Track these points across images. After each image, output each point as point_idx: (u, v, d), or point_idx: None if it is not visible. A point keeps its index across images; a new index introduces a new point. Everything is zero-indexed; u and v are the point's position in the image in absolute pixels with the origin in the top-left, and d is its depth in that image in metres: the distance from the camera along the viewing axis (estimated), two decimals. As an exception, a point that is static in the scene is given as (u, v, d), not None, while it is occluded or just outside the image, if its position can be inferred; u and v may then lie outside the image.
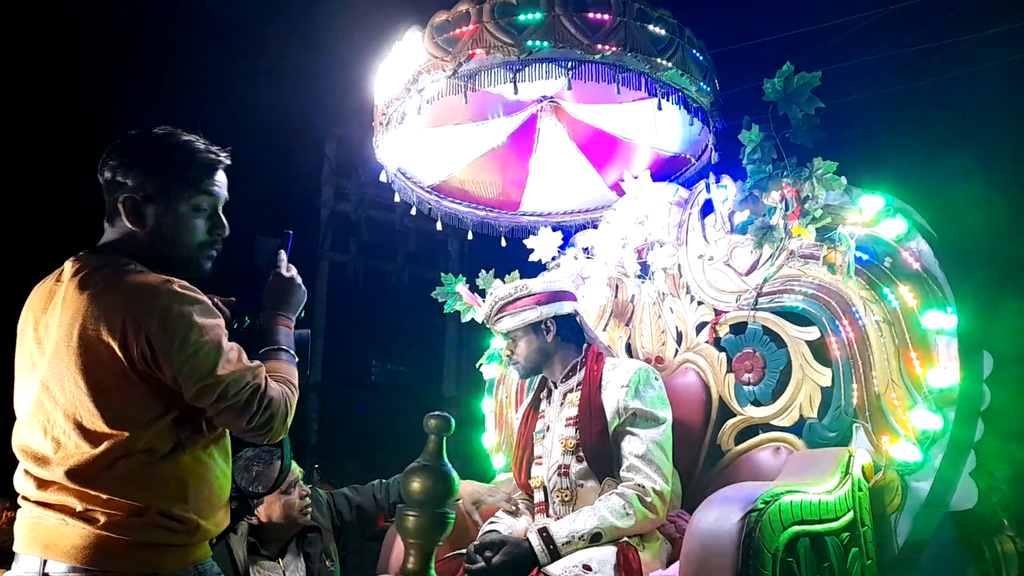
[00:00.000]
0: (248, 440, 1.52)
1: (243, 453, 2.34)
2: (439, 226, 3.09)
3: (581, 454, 2.23)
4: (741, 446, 2.49)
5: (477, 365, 3.42)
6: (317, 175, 10.11)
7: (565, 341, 2.36)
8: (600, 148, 2.91)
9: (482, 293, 3.31)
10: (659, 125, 2.76)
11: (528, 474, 2.42)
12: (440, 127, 2.77)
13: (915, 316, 2.17)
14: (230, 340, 1.49)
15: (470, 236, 3.18)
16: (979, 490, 2.12)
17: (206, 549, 1.51)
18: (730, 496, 1.85)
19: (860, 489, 2.07)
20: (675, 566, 2.03)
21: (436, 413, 0.97)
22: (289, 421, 1.50)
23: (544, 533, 2.05)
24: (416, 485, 0.91)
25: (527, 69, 2.17)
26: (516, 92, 2.20)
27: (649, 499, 2.10)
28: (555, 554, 2.03)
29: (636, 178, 2.82)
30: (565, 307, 2.41)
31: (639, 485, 2.12)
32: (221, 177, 1.54)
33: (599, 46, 2.15)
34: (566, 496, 2.25)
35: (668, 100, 2.32)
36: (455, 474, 0.92)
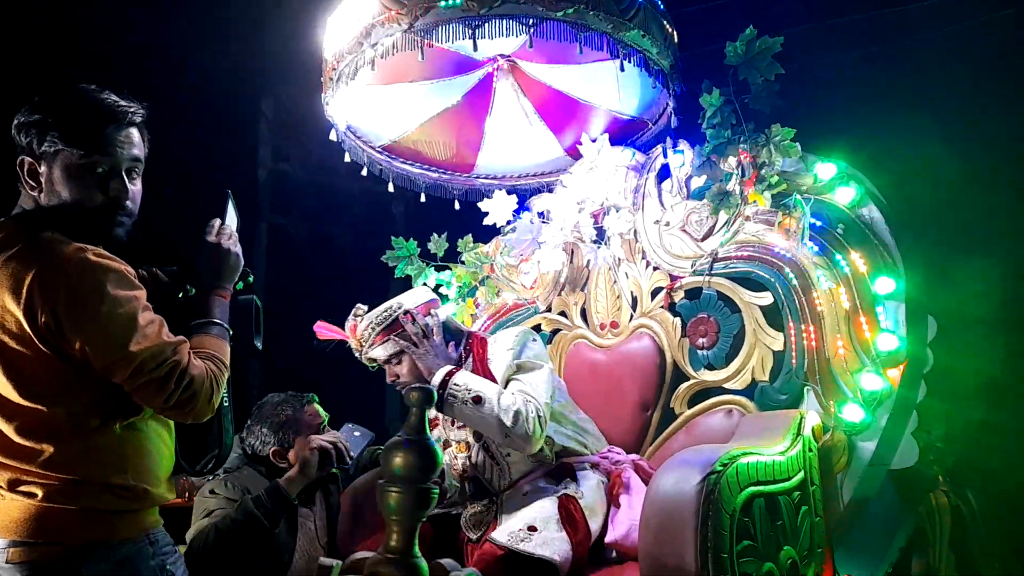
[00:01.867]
0: (171, 419, 1.44)
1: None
2: (391, 188, 2.99)
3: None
4: (694, 409, 2.53)
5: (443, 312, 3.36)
6: (254, 134, 9.71)
7: (441, 345, 2.23)
8: (557, 110, 2.86)
9: (433, 257, 3.26)
10: (617, 87, 2.72)
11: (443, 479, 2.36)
12: (392, 84, 2.67)
13: (866, 282, 2.22)
14: (171, 311, 1.41)
15: (423, 198, 3.10)
16: (919, 448, 2.21)
17: (157, 516, 1.46)
18: (689, 459, 1.88)
19: (810, 450, 2.13)
20: (622, 519, 2.08)
21: (418, 385, 0.93)
22: (216, 400, 1.41)
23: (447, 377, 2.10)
24: (398, 460, 0.87)
25: (487, 25, 2.09)
26: (476, 49, 2.12)
27: (532, 416, 2.06)
28: (441, 398, 2.06)
29: (594, 141, 2.79)
30: (439, 314, 2.31)
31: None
32: (126, 136, 1.40)
33: (561, 3, 2.08)
34: (504, 484, 2.24)
35: (629, 62, 2.27)
36: (438, 448, 0.88)
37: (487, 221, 3.07)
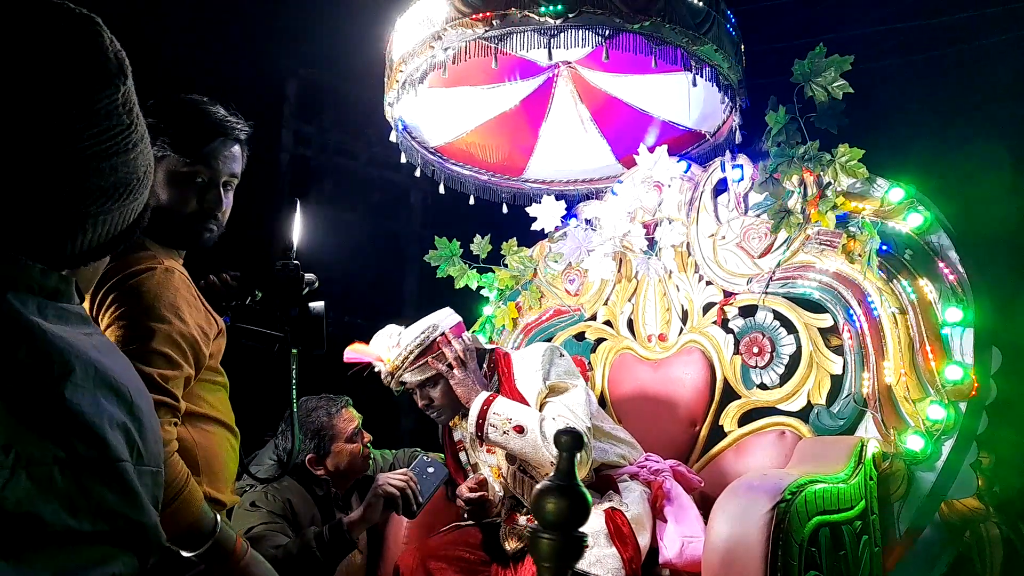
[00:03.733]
0: None
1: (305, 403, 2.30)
2: (442, 189, 2.97)
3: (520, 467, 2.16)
4: (744, 428, 2.50)
5: (470, 332, 3.35)
6: (278, 118, 9.68)
7: (472, 367, 2.13)
8: (613, 117, 2.83)
9: (475, 259, 3.24)
10: (676, 98, 2.69)
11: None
12: (452, 87, 2.64)
13: (932, 309, 2.19)
14: (241, 318, 1.43)
15: (472, 201, 3.07)
16: (977, 480, 2.19)
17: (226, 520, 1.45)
18: (756, 485, 1.86)
19: (871, 478, 2.11)
20: (674, 541, 2.05)
21: (567, 428, 0.91)
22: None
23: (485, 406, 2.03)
24: (551, 506, 0.85)
25: (562, 35, 2.06)
26: (550, 58, 2.09)
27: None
28: (479, 427, 2.01)
29: (652, 151, 2.75)
30: (465, 336, 2.21)
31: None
32: (229, 151, 1.42)
33: (639, 15, 2.04)
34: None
35: (701, 76, 2.24)
36: (589, 495, 0.87)
37: (535, 226, 3.05)
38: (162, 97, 1.38)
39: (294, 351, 1.60)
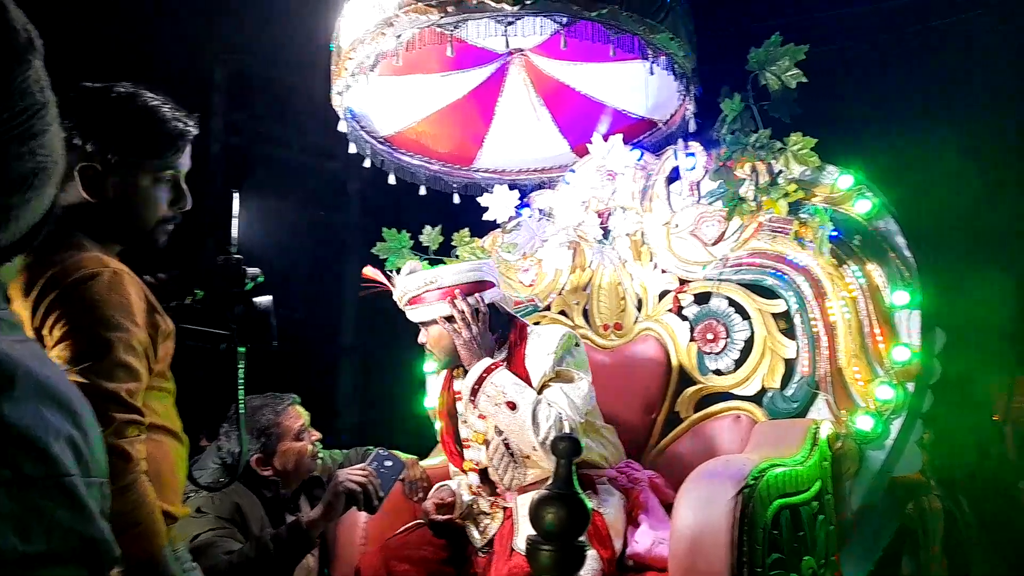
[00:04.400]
0: None
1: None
2: (392, 179, 2.89)
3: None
4: (700, 413, 2.54)
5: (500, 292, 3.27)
6: (206, 106, 9.30)
7: (484, 333, 2.14)
8: (566, 105, 2.81)
9: (425, 250, 3.18)
10: (629, 86, 2.69)
11: (461, 457, 2.29)
12: (402, 75, 2.56)
13: (880, 294, 2.26)
14: (183, 319, 1.39)
15: (423, 191, 3.01)
16: (922, 456, 2.28)
17: (175, 532, 1.36)
18: (719, 472, 1.88)
19: (825, 459, 2.17)
20: (646, 535, 2.07)
21: (565, 434, 0.88)
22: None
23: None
24: (550, 516, 0.82)
25: (519, 22, 2.02)
26: (508, 46, 2.04)
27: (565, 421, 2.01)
28: (474, 391, 2.05)
29: (606, 139, 2.74)
30: (486, 296, 2.20)
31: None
32: (187, 149, 1.39)
33: (596, 3, 2.02)
34: (515, 483, 2.16)
35: (657, 64, 2.24)
36: (589, 503, 0.84)
37: (487, 216, 3.01)
38: (94, 93, 1.31)
39: (241, 349, 1.55)
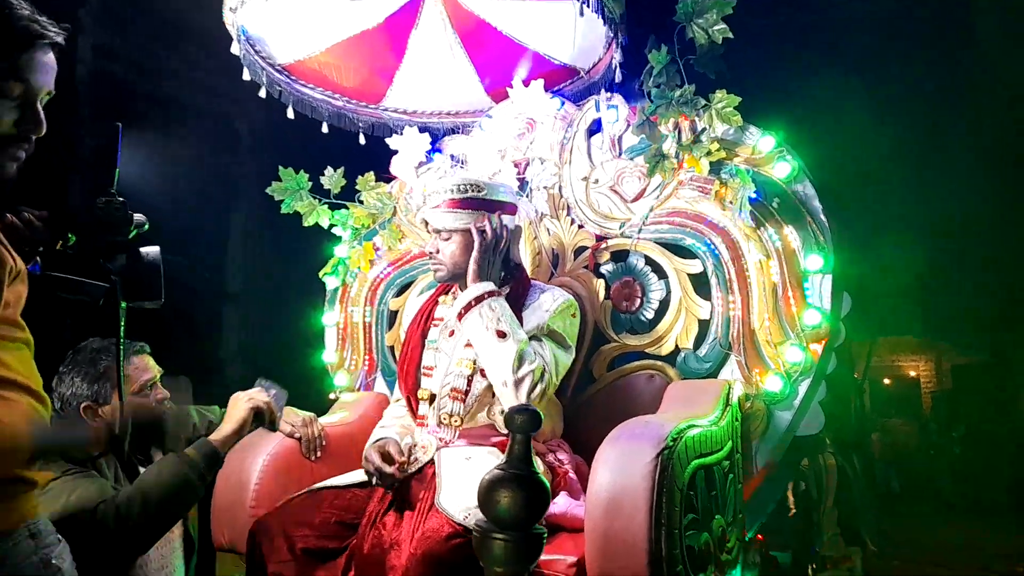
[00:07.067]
0: None
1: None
2: (290, 113, 2.63)
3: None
4: (613, 372, 2.50)
5: (320, 274, 3.08)
6: (72, 22, 8.31)
7: (496, 256, 2.11)
8: (484, 45, 2.63)
9: (326, 194, 2.96)
10: (553, 30, 2.54)
11: (417, 383, 2.18)
12: (307, -5, 2.30)
13: (796, 257, 2.27)
14: (51, 266, 1.26)
15: (325, 128, 2.76)
16: (824, 417, 2.34)
17: (35, 503, 1.21)
18: (638, 433, 1.83)
19: (736, 419, 2.18)
20: (564, 499, 2.01)
21: (521, 406, 0.75)
22: None
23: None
24: (505, 500, 0.70)
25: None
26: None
27: (539, 389, 1.96)
28: (468, 307, 2.00)
29: (526, 84, 2.60)
30: (509, 220, 2.17)
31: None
32: (45, 60, 1.17)
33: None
34: (455, 421, 2.07)
35: (588, 6, 2.10)
36: (548, 483, 0.72)
37: (396, 160, 2.81)
38: None
39: (124, 304, 1.39)
